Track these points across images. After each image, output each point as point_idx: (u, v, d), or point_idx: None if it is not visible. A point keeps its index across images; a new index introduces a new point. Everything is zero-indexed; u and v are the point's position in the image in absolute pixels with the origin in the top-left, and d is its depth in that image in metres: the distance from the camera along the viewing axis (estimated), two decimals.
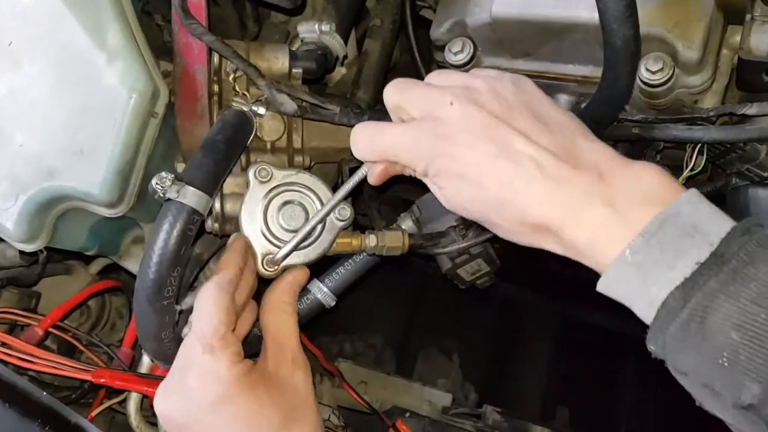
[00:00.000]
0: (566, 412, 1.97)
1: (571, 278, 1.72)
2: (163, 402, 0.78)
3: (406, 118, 0.70)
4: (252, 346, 0.87)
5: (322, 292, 1.05)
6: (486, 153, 0.63)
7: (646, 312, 0.57)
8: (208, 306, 0.77)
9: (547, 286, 2.00)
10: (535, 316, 2.17)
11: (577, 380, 2.06)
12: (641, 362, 2.21)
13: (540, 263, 1.71)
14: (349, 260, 1.06)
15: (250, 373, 0.77)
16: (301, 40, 1.02)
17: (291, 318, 0.87)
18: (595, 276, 0.62)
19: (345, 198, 0.85)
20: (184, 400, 0.76)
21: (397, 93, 0.71)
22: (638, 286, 0.57)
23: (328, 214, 0.87)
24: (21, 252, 1.07)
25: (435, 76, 0.72)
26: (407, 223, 1.07)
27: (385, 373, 1.47)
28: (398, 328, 2.06)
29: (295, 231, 0.89)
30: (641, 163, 0.63)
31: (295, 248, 0.87)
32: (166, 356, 0.84)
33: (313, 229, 0.89)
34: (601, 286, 0.61)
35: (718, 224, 0.57)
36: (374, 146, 0.71)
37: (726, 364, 0.52)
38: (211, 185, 0.80)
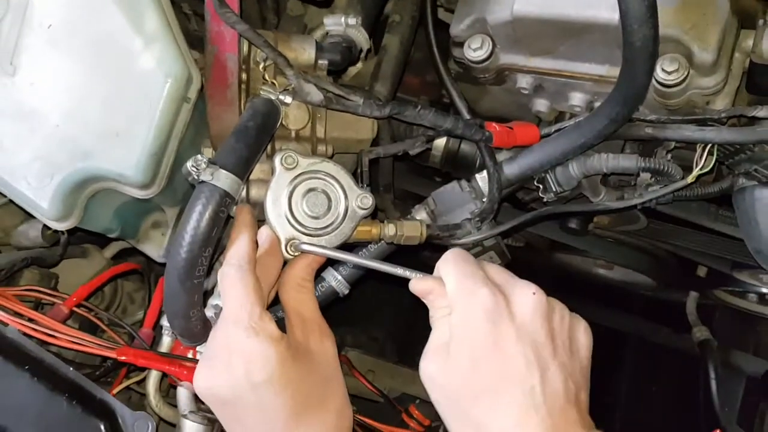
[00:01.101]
0: None
1: (572, 275, 1.76)
2: (208, 382, 0.80)
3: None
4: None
5: (336, 279, 1.08)
6: (523, 355, 0.68)
7: None
8: (238, 290, 0.79)
9: (547, 282, 2.03)
10: None
11: None
12: (637, 359, 2.24)
13: (542, 259, 1.74)
14: (364, 250, 1.08)
15: (289, 348, 0.80)
16: (327, 33, 1.04)
17: (310, 293, 0.90)
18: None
19: (383, 270, 0.88)
20: (231, 383, 0.78)
21: (470, 266, 0.75)
22: None
23: (363, 265, 0.90)
24: (43, 232, 1.09)
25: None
26: (422, 215, 1.09)
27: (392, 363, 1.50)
28: (400, 322, 2.08)
29: (318, 217, 0.92)
30: None
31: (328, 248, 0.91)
32: (193, 334, 0.86)
33: (336, 216, 0.92)
34: None
35: None
36: (465, 273, 0.73)
37: None
38: (243, 169, 0.82)
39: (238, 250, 0.83)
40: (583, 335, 0.75)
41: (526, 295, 0.71)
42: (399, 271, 0.84)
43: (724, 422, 1.65)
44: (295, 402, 0.78)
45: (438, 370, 0.71)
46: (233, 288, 0.80)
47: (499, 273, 0.76)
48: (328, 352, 0.86)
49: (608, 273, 1.75)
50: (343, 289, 1.09)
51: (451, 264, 0.75)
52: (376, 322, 2.03)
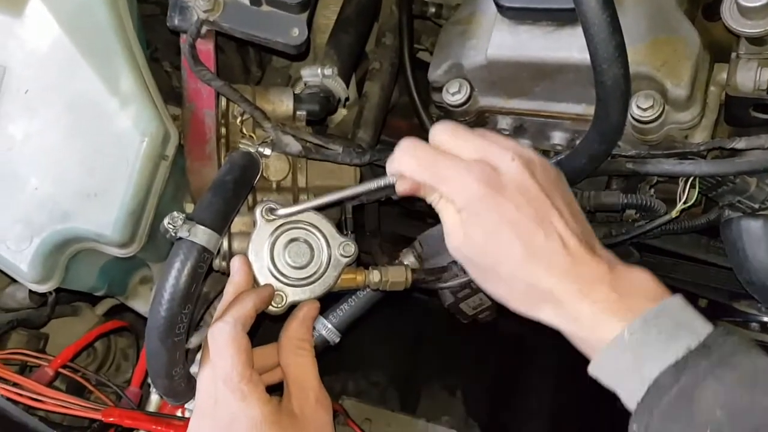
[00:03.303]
0: None
1: None
2: None
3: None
4: None
5: (326, 328, 1.07)
6: (526, 216, 0.70)
7: (634, 391, 0.64)
8: (231, 349, 0.79)
9: None
10: (538, 351, 2.17)
11: (581, 414, 2.05)
12: None
13: None
14: (353, 296, 1.07)
15: (278, 413, 0.79)
16: (305, 84, 1.06)
17: (309, 355, 0.88)
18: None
19: (366, 192, 0.87)
20: None
21: (451, 135, 0.76)
22: (631, 363, 0.64)
23: (346, 198, 0.89)
24: (31, 294, 1.09)
25: (487, 133, 0.77)
26: (409, 259, 1.09)
27: (389, 410, 1.47)
28: (401, 365, 2.06)
29: (301, 267, 0.91)
30: (639, 267, 0.71)
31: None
32: (177, 393, 0.85)
33: (319, 265, 0.92)
34: (593, 365, 0.68)
35: (702, 324, 0.65)
36: (427, 165, 0.74)
37: None
38: (221, 224, 0.82)
39: (233, 306, 0.83)
40: (555, 173, 0.77)
41: (507, 162, 0.72)
42: (375, 184, 0.84)
43: None
44: None
45: (460, 247, 0.73)
46: (226, 347, 0.79)
47: (473, 143, 0.74)
48: (321, 421, 0.84)
49: None
50: (334, 337, 1.08)
51: (419, 157, 0.74)
52: (377, 366, 2.01)
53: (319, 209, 0.92)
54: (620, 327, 0.64)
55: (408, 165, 0.75)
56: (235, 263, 0.88)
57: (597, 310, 0.67)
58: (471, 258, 0.74)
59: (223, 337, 0.79)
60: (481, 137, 0.76)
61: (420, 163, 0.74)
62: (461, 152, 0.74)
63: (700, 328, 0.63)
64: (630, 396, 0.64)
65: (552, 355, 2.17)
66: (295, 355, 0.88)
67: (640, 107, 0.94)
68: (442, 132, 0.76)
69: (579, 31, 0.80)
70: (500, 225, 0.70)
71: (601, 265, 0.69)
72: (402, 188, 0.78)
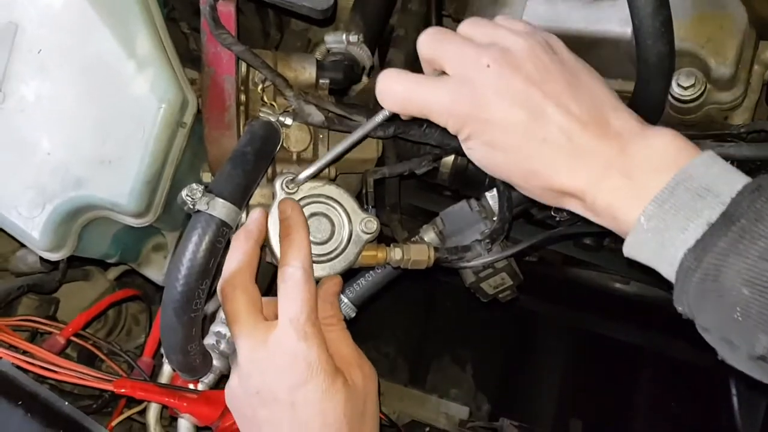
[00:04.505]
0: (579, 425, 1.96)
1: (587, 289, 1.72)
2: (248, 378, 0.78)
3: (438, 70, 0.73)
4: None
5: (343, 303, 1.05)
6: (518, 122, 0.66)
7: (670, 273, 0.59)
8: (302, 293, 0.78)
9: (562, 297, 1.99)
10: (549, 326, 2.16)
11: (591, 392, 2.04)
12: (656, 374, 2.19)
13: (556, 274, 1.70)
14: (371, 272, 1.05)
15: (335, 368, 0.78)
16: (328, 50, 1.01)
17: (340, 329, 0.86)
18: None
19: (368, 133, 0.84)
20: (269, 380, 0.77)
21: (431, 46, 0.72)
22: (657, 249, 0.59)
23: (355, 144, 0.86)
24: (42, 258, 1.06)
25: (470, 27, 0.73)
26: (430, 236, 1.06)
27: (401, 384, 1.46)
28: (411, 337, 2.05)
29: (321, 243, 0.88)
30: (658, 131, 0.64)
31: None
32: (192, 369, 0.83)
33: (340, 241, 0.89)
34: (626, 252, 0.64)
35: (730, 184, 0.58)
36: (408, 101, 0.72)
37: (740, 318, 0.54)
38: (240, 197, 0.79)
39: (300, 250, 0.81)
40: (543, 50, 0.70)
41: (481, 69, 0.67)
42: (378, 118, 0.80)
43: None
44: (327, 423, 0.76)
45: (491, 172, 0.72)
46: (298, 289, 0.78)
47: (450, 59, 0.70)
48: (369, 388, 0.82)
49: (625, 287, 1.70)
50: (350, 312, 1.06)
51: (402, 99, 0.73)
52: (387, 337, 2.00)
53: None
54: (637, 214, 0.60)
55: (393, 96, 0.73)
56: (255, 214, 0.85)
57: (611, 201, 0.63)
58: (494, 175, 0.73)
59: (294, 280, 0.79)
60: (459, 42, 0.71)
61: (401, 94, 0.72)
62: (445, 66, 0.71)
63: (725, 191, 0.57)
64: (669, 277, 0.60)
65: (564, 330, 2.15)
66: (326, 332, 0.85)
67: (681, 85, 0.90)
68: (425, 43, 0.73)
69: (620, 2, 0.76)
70: (495, 142, 0.67)
71: (611, 148, 0.64)
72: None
